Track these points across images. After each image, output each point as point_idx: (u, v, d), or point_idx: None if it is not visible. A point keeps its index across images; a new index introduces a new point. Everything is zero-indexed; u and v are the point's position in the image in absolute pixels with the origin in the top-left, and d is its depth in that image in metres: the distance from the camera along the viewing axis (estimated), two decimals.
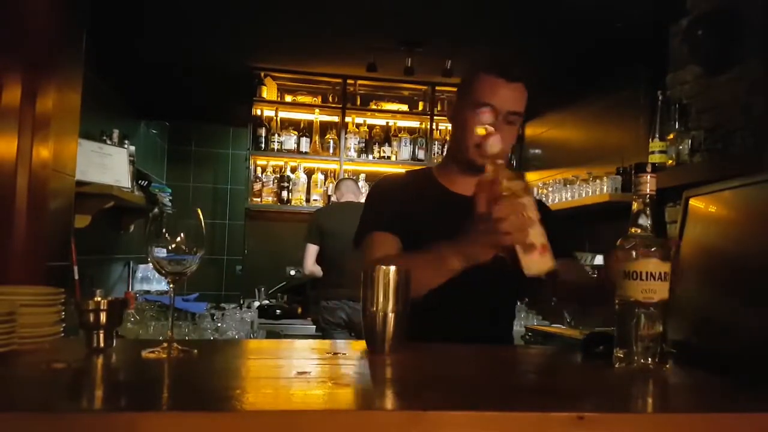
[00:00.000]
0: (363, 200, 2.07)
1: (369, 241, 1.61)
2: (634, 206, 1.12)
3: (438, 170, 1.76)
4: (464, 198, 1.59)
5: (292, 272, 4.52)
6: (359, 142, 4.76)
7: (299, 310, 4.30)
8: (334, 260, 3.78)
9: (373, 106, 4.84)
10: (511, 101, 1.55)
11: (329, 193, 4.68)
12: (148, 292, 4.23)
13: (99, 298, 1.16)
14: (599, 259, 1.15)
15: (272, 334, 3.90)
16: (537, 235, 1.22)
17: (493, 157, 1.30)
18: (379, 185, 1.83)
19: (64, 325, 1.25)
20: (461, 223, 1.40)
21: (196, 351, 1.14)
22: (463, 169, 1.64)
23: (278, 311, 4.20)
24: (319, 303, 3.84)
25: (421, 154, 4.74)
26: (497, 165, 1.29)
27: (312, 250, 4.03)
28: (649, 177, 1.11)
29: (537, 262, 1.22)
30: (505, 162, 1.41)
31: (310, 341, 1.47)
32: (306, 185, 4.73)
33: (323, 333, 3.77)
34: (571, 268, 1.59)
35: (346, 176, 4.52)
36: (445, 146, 4.83)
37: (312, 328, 4.04)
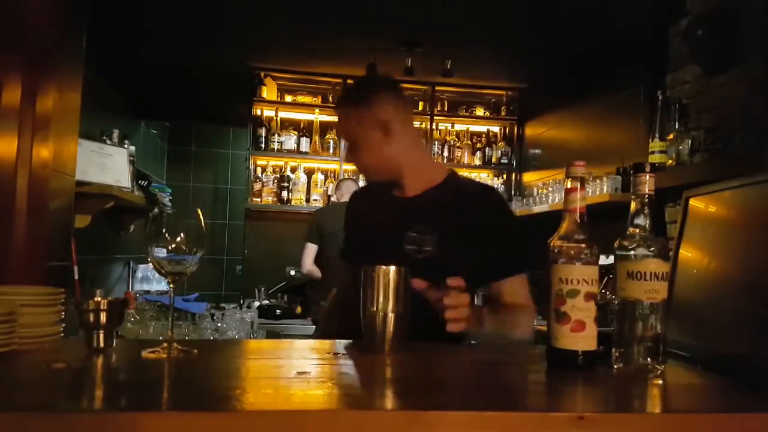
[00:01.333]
0: None
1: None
2: (633, 206, 1.12)
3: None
4: (401, 201, 1.74)
5: (292, 272, 4.51)
6: None
7: (299, 310, 4.30)
8: (334, 260, 3.78)
9: None
10: (339, 128, 1.83)
11: (329, 193, 4.68)
12: (148, 292, 4.23)
13: (99, 298, 1.17)
14: (602, 259, 1.15)
15: (272, 334, 3.90)
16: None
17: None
18: (349, 201, 1.99)
19: (64, 325, 1.25)
20: (391, 225, 1.63)
21: (196, 351, 1.14)
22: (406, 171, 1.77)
23: (278, 311, 4.20)
24: (319, 303, 3.83)
25: None
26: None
27: (311, 249, 4.03)
28: (647, 177, 1.11)
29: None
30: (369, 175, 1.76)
31: (310, 341, 1.47)
32: (306, 185, 4.73)
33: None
34: (511, 289, 1.64)
35: (347, 176, 4.53)
36: (446, 155, 4.83)
37: (312, 328, 4.04)
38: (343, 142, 1.48)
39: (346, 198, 4.05)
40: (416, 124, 4.91)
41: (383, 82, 1.85)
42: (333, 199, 4.36)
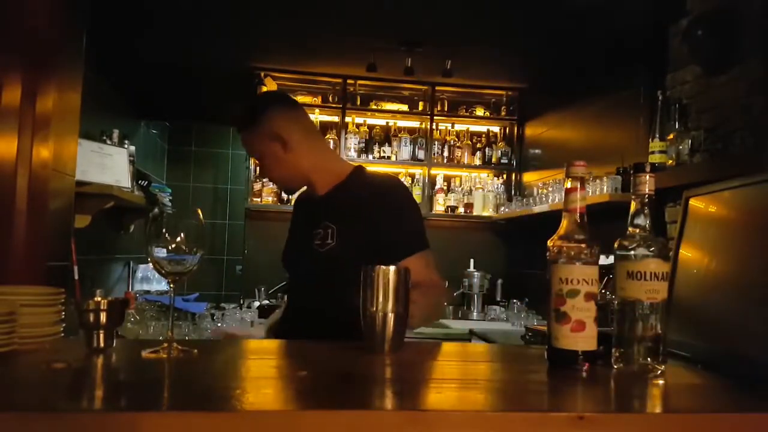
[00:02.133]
0: None
1: None
2: (633, 206, 1.12)
3: None
4: (311, 200, 1.90)
5: None
6: (359, 142, 4.76)
7: None
8: None
9: (373, 106, 4.84)
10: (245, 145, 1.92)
11: None
12: (148, 292, 4.23)
13: (99, 298, 1.17)
14: (602, 259, 1.15)
15: None
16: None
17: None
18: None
19: (64, 325, 1.25)
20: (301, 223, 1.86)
21: (196, 351, 1.14)
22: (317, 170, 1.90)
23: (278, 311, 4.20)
24: None
25: (421, 154, 4.74)
26: None
27: None
28: (647, 177, 1.11)
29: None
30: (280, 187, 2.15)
31: (310, 341, 1.47)
32: None
33: None
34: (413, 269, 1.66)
35: None
36: (446, 155, 4.83)
37: None
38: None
39: None
40: (416, 124, 4.91)
41: (271, 99, 2.06)
42: None
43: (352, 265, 1.33)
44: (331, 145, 4.73)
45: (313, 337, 1.42)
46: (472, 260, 4.57)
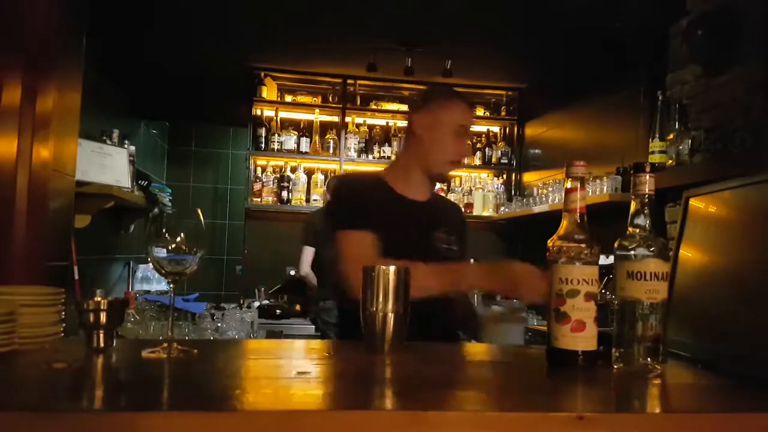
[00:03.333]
0: None
1: (347, 238, 1.72)
2: (633, 206, 1.12)
3: (390, 176, 1.89)
4: (417, 203, 1.85)
5: (292, 272, 4.51)
6: (359, 142, 4.76)
7: (297, 307, 4.29)
8: (329, 261, 3.76)
9: (373, 106, 4.84)
10: (471, 122, 1.94)
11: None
12: (148, 292, 4.23)
13: (99, 298, 1.17)
14: (602, 259, 1.15)
15: (272, 334, 3.90)
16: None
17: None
18: (345, 183, 2.02)
19: (64, 325, 1.25)
20: (416, 224, 1.76)
21: (196, 351, 1.14)
22: (427, 178, 1.87)
23: (278, 311, 4.20)
24: (318, 303, 3.83)
25: None
26: None
27: (308, 252, 4.02)
28: (647, 177, 1.11)
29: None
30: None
31: (310, 341, 1.47)
32: (306, 185, 4.73)
33: (321, 333, 3.77)
34: None
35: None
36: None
37: (312, 328, 4.04)
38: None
39: None
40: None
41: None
42: (329, 198, 4.30)
43: None
44: (331, 145, 4.73)
45: (420, 337, 1.41)
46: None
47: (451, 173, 1.99)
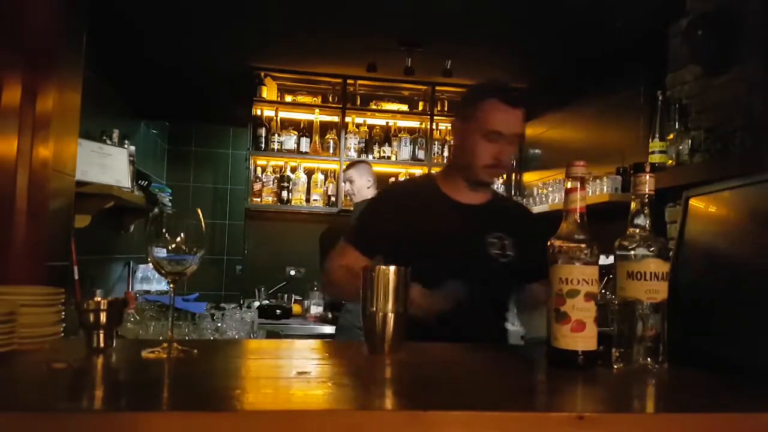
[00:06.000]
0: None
1: (343, 251, 1.78)
2: (633, 206, 1.12)
3: (442, 180, 1.87)
4: (470, 207, 1.81)
5: (292, 272, 4.51)
6: (359, 142, 4.76)
7: (298, 309, 4.29)
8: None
9: (373, 106, 4.84)
10: (514, 125, 1.74)
11: (329, 193, 4.68)
12: (148, 292, 4.23)
13: (99, 298, 1.17)
14: (602, 259, 1.15)
15: (272, 334, 3.89)
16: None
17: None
18: (388, 195, 1.99)
19: (64, 325, 1.25)
20: (465, 229, 1.70)
21: (196, 351, 1.14)
22: (469, 183, 1.81)
23: (278, 311, 4.20)
24: (344, 306, 3.74)
25: (421, 154, 4.74)
26: None
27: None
28: (647, 177, 1.11)
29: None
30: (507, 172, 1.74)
31: (310, 341, 1.47)
32: (306, 185, 4.72)
33: (345, 334, 3.62)
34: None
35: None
36: (445, 155, 4.82)
37: (312, 328, 4.04)
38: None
39: (365, 183, 3.93)
40: (416, 124, 4.92)
41: None
42: (347, 188, 4.14)
43: (526, 279, 1.56)
44: (331, 145, 4.73)
45: (462, 339, 1.42)
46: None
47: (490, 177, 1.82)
